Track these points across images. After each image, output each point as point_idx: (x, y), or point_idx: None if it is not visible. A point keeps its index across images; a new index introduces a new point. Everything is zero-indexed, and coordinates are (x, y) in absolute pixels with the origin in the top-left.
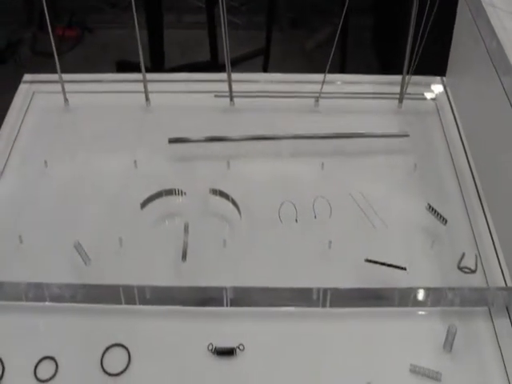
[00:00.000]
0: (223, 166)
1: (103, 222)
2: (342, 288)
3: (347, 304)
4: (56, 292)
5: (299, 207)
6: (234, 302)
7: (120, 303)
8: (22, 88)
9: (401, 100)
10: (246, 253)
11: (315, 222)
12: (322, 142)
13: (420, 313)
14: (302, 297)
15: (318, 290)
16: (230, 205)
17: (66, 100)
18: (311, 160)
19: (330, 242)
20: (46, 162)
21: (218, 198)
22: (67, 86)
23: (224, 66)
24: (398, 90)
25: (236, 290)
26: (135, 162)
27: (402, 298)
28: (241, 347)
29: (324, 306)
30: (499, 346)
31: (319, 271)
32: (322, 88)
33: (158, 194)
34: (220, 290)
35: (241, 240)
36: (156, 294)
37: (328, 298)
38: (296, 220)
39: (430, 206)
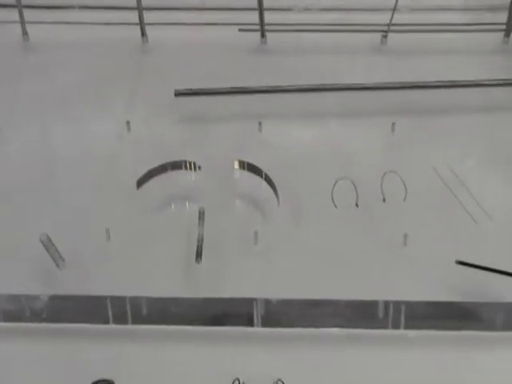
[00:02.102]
0: (252, 129)
1: (83, 207)
2: (420, 302)
3: (428, 325)
4: (12, 307)
5: (360, 186)
6: (268, 321)
7: (107, 322)
8: None
9: (508, 33)
10: (284, 252)
11: (384, 208)
12: (393, 94)
13: None
14: (363, 314)
15: (387, 304)
16: (264, 183)
17: (25, 34)
18: (377, 120)
19: (406, 236)
20: None
21: (245, 174)
22: (28, 14)
23: None
24: (503, 18)
25: (270, 303)
26: (128, 123)
27: (509, 318)
28: None
29: (395, 326)
30: None
31: (388, 277)
32: (391, 18)
33: (161, 169)
34: (248, 302)
35: (278, 234)
36: (157, 309)
37: (401, 315)
38: (356, 204)
39: None
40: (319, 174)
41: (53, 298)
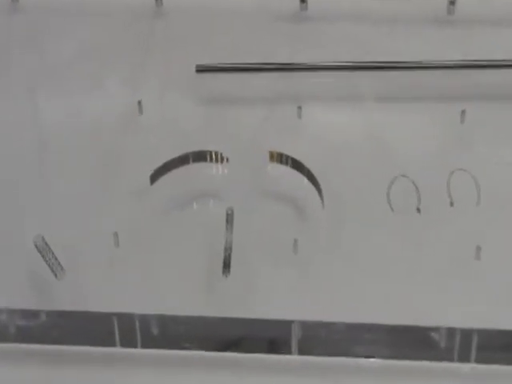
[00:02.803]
0: (290, 114)
1: (85, 205)
2: (496, 330)
3: (505, 358)
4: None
5: (422, 187)
6: (307, 347)
7: (113, 344)
8: None
9: None
10: (328, 264)
11: (451, 214)
12: (462, 75)
13: None
14: (421, 342)
15: (452, 331)
16: (305, 181)
17: None
18: (443, 107)
19: (479, 249)
20: None
21: (282, 169)
22: None
23: None
24: None
25: (310, 326)
26: (139, 103)
27: None
28: None
29: (464, 359)
30: None
31: (455, 298)
32: None
33: (180, 161)
34: (284, 325)
35: (321, 242)
36: (172, 330)
37: (472, 346)
38: (418, 209)
39: None
40: (372, 170)
41: (48, 314)
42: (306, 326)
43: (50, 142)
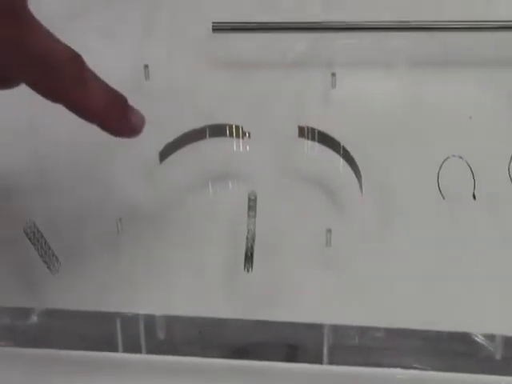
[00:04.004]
0: (322, 82)
1: (83, 188)
2: None
3: None
4: None
5: (479, 170)
6: (338, 355)
7: (114, 349)
8: None
9: None
10: (366, 259)
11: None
12: None
13: None
14: (471, 352)
15: (510, 340)
16: (341, 161)
17: None
18: (501, 74)
19: None
20: None
21: (314, 147)
22: None
23: None
24: None
25: (343, 331)
26: (146, 67)
27: None
28: None
29: None
30: None
31: None
32: None
33: (195, 135)
34: (314, 329)
35: (359, 234)
36: (181, 333)
37: None
38: (473, 196)
39: None
40: (418, 150)
41: (40, 313)
42: (338, 330)
43: (41, 113)
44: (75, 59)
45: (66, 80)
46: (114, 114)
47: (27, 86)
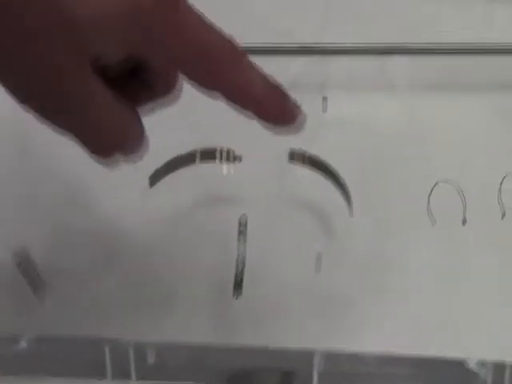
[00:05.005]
0: (314, 105)
1: (70, 213)
2: None
3: None
4: None
5: (469, 194)
6: (328, 381)
7: (103, 376)
8: None
9: None
10: (357, 283)
11: (503, 227)
12: None
13: None
14: (462, 377)
15: (501, 365)
16: (331, 185)
17: None
18: (492, 98)
19: None
20: None
21: (305, 171)
22: None
23: None
24: None
25: (334, 357)
26: None
27: None
28: None
29: None
30: None
31: (509, 325)
32: None
33: (186, 159)
34: (305, 355)
35: (350, 257)
36: (171, 360)
37: None
38: (463, 221)
39: None
40: (408, 173)
41: (30, 340)
42: (329, 356)
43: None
44: (232, 46)
45: (222, 64)
46: (274, 100)
47: (182, 73)
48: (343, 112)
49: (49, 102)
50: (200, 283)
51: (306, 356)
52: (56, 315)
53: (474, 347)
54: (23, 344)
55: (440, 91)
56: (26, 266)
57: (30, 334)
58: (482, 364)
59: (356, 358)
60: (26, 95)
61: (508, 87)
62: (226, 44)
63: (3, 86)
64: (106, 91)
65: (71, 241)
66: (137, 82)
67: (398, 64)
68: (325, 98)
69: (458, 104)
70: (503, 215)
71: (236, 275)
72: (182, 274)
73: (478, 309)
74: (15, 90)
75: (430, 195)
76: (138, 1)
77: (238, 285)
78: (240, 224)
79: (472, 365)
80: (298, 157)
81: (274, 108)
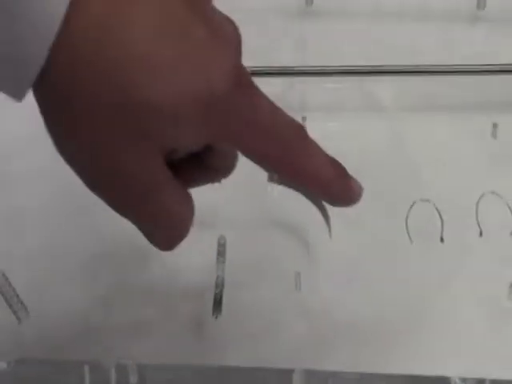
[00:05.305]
0: None
1: (53, 232)
2: None
3: None
4: None
5: (446, 213)
6: None
7: None
8: None
9: None
10: (337, 302)
11: (481, 245)
12: (493, 81)
13: None
14: None
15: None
16: (311, 206)
17: None
18: (471, 118)
19: None
20: None
21: (283, 191)
22: None
23: None
24: None
25: (313, 375)
26: None
27: None
28: None
29: None
30: None
31: (487, 342)
32: None
33: None
34: (283, 374)
35: (328, 277)
36: (153, 381)
37: None
38: (441, 239)
39: None
40: (387, 193)
41: (9, 363)
42: (309, 375)
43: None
44: (301, 130)
45: (293, 150)
46: (341, 184)
47: (251, 157)
48: (321, 132)
49: (113, 192)
50: (180, 304)
51: (286, 375)
52: (36, 337)
53: (455, 365)
54: (3, 365)
55: (419, 112)
56: (4, 291)
57: (11, 356)
58: (464, 381)
59: (336, 376)
60: (99, 186)
61: (485, 108)
62: (296, 128)
63: (74, 170)
64: (175, 183)
65: (52, 261)
66: (194, 163)
67: (379, 85)
68: (304, 118)
69: (434, 123)
70: (480, 233)
71: (215, 294)
72: (163, 295)
73: (456, 326)
74: (86, 179)
75: (407, 216)
76: (212, 87)
77: (218, 304)
78: (219, 244)
79: (455, 382)
80: (277, 179)
81: (341, 191)
